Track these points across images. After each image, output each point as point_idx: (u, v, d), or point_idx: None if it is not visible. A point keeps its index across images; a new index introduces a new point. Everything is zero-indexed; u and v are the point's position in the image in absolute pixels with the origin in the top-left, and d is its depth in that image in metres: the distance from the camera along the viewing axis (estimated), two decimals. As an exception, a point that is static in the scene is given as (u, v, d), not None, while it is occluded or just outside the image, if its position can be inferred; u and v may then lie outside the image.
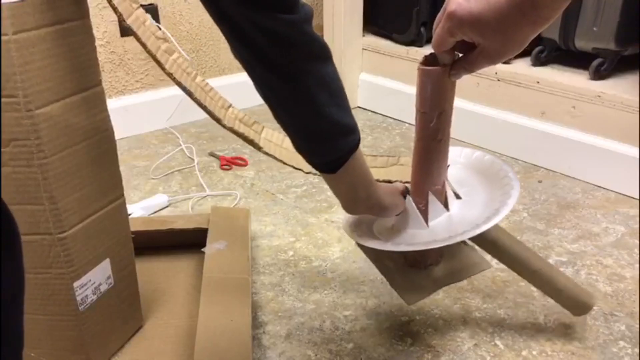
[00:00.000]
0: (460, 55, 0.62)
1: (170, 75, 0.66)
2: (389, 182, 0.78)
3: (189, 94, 0.68)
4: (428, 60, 0.64)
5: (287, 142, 0.76)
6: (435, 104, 0.65)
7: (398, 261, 0.76)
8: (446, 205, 0.72)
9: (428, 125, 0.66)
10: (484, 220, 0.65)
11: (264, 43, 0.50)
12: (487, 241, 0.75)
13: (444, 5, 0.58)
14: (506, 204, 0.67)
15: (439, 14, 0.59)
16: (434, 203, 0.70)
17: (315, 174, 0.76)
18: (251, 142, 0.73)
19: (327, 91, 0.54)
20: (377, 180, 0.77)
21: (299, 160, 0.76)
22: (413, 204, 0.71)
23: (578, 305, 0.80)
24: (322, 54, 0.54)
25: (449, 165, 0.72)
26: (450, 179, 0.73)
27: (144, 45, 0.64)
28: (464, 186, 0.74)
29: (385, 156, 0.79)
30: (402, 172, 0.77)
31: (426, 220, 0.71)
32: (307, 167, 0.76)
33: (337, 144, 0.57)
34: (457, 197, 0.73)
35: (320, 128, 0.56)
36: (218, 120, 0.71)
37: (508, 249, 0.76)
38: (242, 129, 0.73)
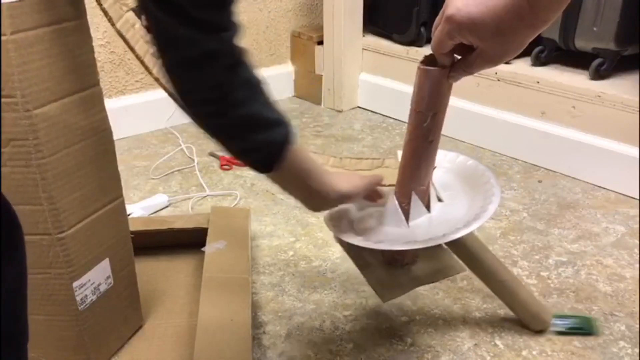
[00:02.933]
0: (459, 57, 0.62)
1: (157, 80, 0.66)
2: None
3: (175, 99, 0.68)
4: (428, 61, 0.64)
5: None
6: (431, 104, 0.65)
7: (376, 258, 0.76)
8: (428, 207, 0.72)
9: (421, 125, 0.66)
10: (464, 225, 0.66)
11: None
12: (459, 246, 0.76)
13: (442, 8, 0.59)
14: (487, 209, 0.67)
15: (438, 17, 0.59)
16: (416, 203, 0.71)
17: None
18: None
19: (246, 89, 0.55)
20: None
21: None
22: (396, 202, 0.72)
23: (536, 319, 0.82)
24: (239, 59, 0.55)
25: (435, 168, 0.72)
26: (434, 181, 0.73)
27: (132, 48, 0.64)
28: (446, 189, 0.75)
29: (370, 159, 0.79)
30: (386, 174, 0.78)
31: (407, 219, 0.71)
32: None
33: (263, 137, 0.57)
34: (439, 199, 0.74)
35: (240, 122, 0.55)
36: None
37: (478, 257, 0.77)
38: None
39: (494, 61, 0.60)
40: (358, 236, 0.70)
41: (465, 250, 0.76)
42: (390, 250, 0.75)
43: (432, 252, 0.77)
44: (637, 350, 0.80)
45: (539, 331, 0.83)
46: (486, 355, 0.79)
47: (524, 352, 0.80)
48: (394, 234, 0.71)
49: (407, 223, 0.71)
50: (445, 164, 0.78)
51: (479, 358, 0.79)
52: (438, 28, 0.60)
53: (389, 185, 0.76)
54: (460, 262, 0.78)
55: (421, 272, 0.76)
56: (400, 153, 0.72)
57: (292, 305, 0.89)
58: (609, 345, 0.81)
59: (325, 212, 0.76)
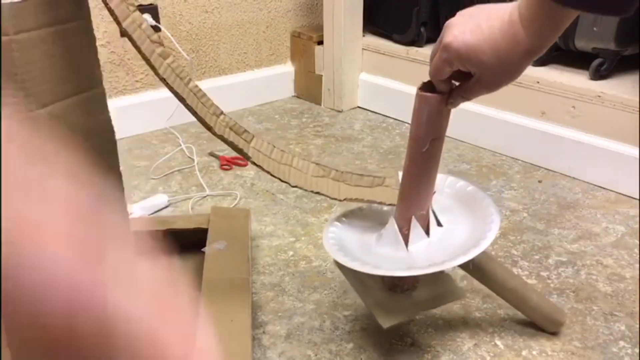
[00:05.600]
0: (457, 83, 0.63)
1: (163, 80, 0.66)
2: (374, 202, 0.79)
3: (181, 99, 0.68)
4: (426, 87, 0.65)
5: (275, 153, 0.77)
6: (429, 130, 0.66)
7: (377, 282, 0.76)
8: (427, 232, 0.73)
9: (420, 150, 0.67)
10: (463, 252, 0.66)
11: None
12: None
13: (440, 36, 0.60)
14: (485, 237, 0.67)
15: (435, 45, 0.61)
16: (416, 228, 0.72)
17: (301, 189, 0.77)
18: (240, 151, 0.74)
19: None
20: (360, 200, 0.78)
21: (286, 172, 0.77)
22: (396, 227, 0.72)
23: (550, 322, 0.82)
24: None
25: (434, 192, 0.73)
26: (434, 206, 0.74)
27: (138, 48, 0.64)
28: (446, 214, 0.75)
29: (371, 176, 0.80)
30: (386, 193, 0.78)
31: (407, 244, 0.72)
32: (293, 180, 0.77)
33: None
34: (439, 224, 0.74)
35: None
36: (209, 128, 0.71)
37: (484, 267, 0.77)
38: (232, 137, 0.73)
39: (491, 87, 0.61)
40: (357, 260, 0.70)
41: (470, 262, 0.76)
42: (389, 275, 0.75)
43: (432, 277, 0.77)
44: (637, 351, 0.80)
45: (553, 333, 0.83)
46: (486, 355, 0.80)
47: (524, 352, 0.80)
48: (394, 258, 0.72)
49: (407, 248, 0.72)
50: (446, 189, 0.79)
51: (479, 358, 0.79)
52: (436, 55, 0.61)
53: (390, 205, 0.77)
54: (460, 287, 0.78)
55: (422, 297, 0.76)
56: (401, 173, 0.72)
57: (292, 305, 0.90)
58: (609, 345, 0.81)
59: (325, 234, 0.77)
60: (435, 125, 0.66)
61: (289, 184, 0.76)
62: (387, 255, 0.72)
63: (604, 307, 0.89)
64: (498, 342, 0.82)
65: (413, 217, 0.71)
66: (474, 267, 0.76)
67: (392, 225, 0.73)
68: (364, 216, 0.81)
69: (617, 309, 0.89)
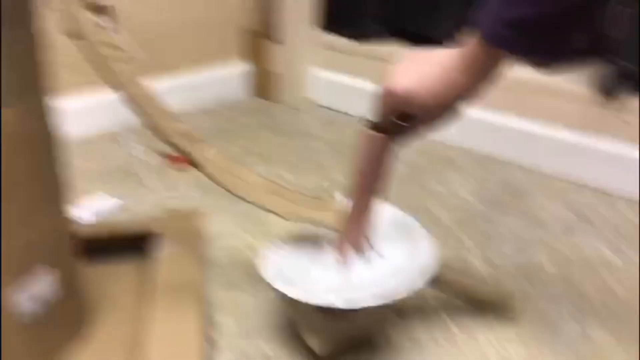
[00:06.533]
0: (404, 123, 0.66)
1: (113, 83, 0.64)
2: (319, 224, 0.79)
3: (132, 103, 0.67)
4: (373, 125, 0.68)
5: (228, 165, 0.77)
6: (374, 167, 0.70)
7: (312, 307, 0.76)
8: (365, 260, 0.74)
9: (364, 184, 0.71)
10: (393, 286, 0.67)
11: None
12: None
13: (383, 81, 0.63)
14: (419, 276, 0.68)
15: (379, 88, 0.64)
16: (355, 255, 0.74)
17: (252, 204, 0.78)
18: (192, 160, 0.74)
19: None
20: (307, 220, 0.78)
21: (237, 185, 0.78)
22: (336, 253, 0.74)
23: (503, 308, 0.85)
24: None
25: (375, 222, 0.75)
26: (374, 234, 0.76)
27: (87, 51, 0.62)
28: (385, 244, 0.77)
29: (319, 198, 0.82)
30: (331, 217, 0.79)
31: (345, 270, 0.74)
32: (244, 193, 0.77)
33: None
34: (377, 253, 0.76)
35: None
36: (160, 133, 0.70)
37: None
38: (183, 144, 0.73)
39: (435, 127, 0.65)
40: (292, 284, 0.71)
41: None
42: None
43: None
44: (587, 330, 0.82)
45: (511, 318, 0.85)
46: (441, 339, 0.80)
47: (479, 337, 0.81)
48: (331, 284, 0.72)
49: (345, 274, 0.73)
50: (386, 219, 0.80)
51: (433, 342, 0.80)
52: (380, 99, 0.64)
53: (333, 229, 0.77)
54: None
55: (359, 323, 0.77)
56: (338, 194, 0.75)
57: (249, 303, 0.89)
58: (560, 326, 0.83)
59: (262, 255, 0.77)
60: (379, 162, 0.69)
61: (241, 198, 0.77)
62: (324, 280, 0.73)
63: (554, 291, 0.91)
64: (454, 330, 0.83)
65: (351, 245, 0.74)
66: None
67: (332, 251, 0.75)
68: (305, 239, 0.82)
69: (568, 291, 0.91)
